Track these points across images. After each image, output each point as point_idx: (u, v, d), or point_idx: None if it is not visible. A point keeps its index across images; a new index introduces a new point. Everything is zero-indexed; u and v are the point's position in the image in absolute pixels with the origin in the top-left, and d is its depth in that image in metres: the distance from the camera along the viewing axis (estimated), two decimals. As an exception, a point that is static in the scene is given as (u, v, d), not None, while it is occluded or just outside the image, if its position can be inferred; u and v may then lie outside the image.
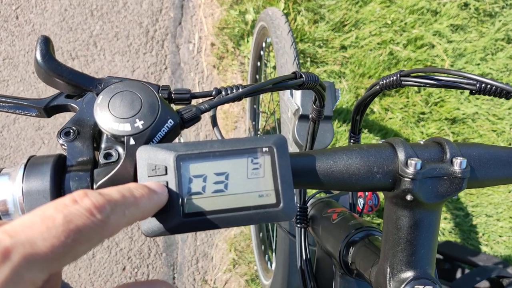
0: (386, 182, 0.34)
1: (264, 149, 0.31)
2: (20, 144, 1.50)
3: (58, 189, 0.30)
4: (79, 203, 0.22)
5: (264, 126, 1.54)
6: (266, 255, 1.33)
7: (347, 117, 1.62)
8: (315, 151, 0.35)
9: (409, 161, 0.33)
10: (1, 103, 0.35)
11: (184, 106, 0.36)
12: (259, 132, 1.51)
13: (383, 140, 0.37)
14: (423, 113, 1.68)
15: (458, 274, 1.35)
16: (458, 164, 0.33)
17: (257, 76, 1.38)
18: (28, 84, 1.54)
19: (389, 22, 1.73)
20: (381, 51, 1.71)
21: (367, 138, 1.63)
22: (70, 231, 0.20)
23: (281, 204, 0.30)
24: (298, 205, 0.61)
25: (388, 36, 1.71)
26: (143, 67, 1.61)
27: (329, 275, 0.55)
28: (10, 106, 0.35)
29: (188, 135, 1.58)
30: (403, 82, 0.45)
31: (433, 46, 1.75)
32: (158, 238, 1.47)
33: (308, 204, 0.63)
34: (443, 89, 1.70)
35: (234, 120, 1.63)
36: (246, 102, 1.59)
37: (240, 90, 0.37)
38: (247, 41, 1.66)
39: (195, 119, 0.34)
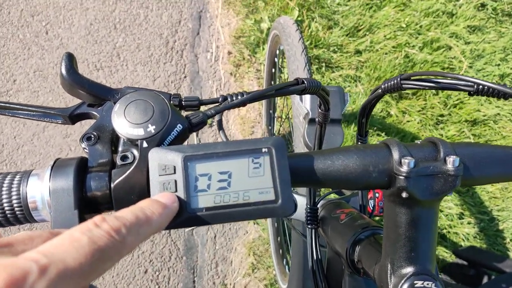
0: (382, 181, 0.36)
1: (264, 149, 0.33)
2: (49, 151, 1.57)
3: (80, 188, 0.34)
4: (99, 226, 0.25)
5: (279, 130, 1.57)
6: (284, 259, 1.35)
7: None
8: (315, 152, 0.38)
9: (403, 160, 0.35)
10: (32, 112, 0.39)
11: (192, 112, 0.39)
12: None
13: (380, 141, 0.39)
14: (442, 115, 1.67)
15: (484, 281, 1.32)
16: (451, 162, 0.35)
17: (272, 82, 1.41)
18: (56, 94, 1.62)
19: (404, 25, 1.73)
20: (397, 54, 1.71)
21: (385, 141, 1.63)
22: (94, 251, 0.24)
23: (280, 200, 0.33)
24: (309, 206, 0.63)
25: (403, 39, 1.71)
26: (163, 76, 1.67)
27: (339, 275, 0.57)
28: (39, 114, 0.40)
29: (206, 138, 1.62)
30: (403, 85, 0.46)
31: (450, 48, 1.74)
32: (178, 242, 1.51)
33: (318, 206, 0.65)
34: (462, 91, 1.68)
35: (251, 125, 1.66)
36: (262, 107, 1.62)
37: (244, 96, 0.40)
38: (263, 49, 1.69)
39: (202, 123, 0.37)
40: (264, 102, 1.58)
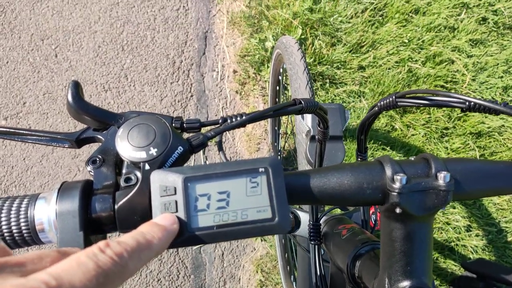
0: (376, 197, 0.37)
1: (261, 169, 0.35)
2: (57, 172, 1.60)
3: (86, 210, 0.35)
4: (104, 252, 0.27)
5: (284, 146, 1.58)
6: (292, 276, 1.35)
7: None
8: (311, 170, 0.39)
9: (395, 177, 0.36)
10: (40, 137, 0.42)
11: (193, 134, 0.41)
12: (279, 153, 1.54)
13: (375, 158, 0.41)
14: (446, 128, 1.67)
15: (495, 294, 1.30)
16: (442, 178, 0.36)
17: (277, 100, 1.44)
18: (65, 116, 1.66)
19: (406, 40, 1.75)
20: (400, 69, 1.72)
21: (390, 155, 1.63)
22: (99, 275, 0.25)
23: (276, 218, 0.34)
24: (311, 222, 0.64)
25: (406, 54, 1.73)
26: (170, 96, 1.70)
27: (342, 290, 0.58)
28: (47, 139, 0.42)
29: (213, 155, 1.64)
30: (398, 103, 0.48)
31: (452, 62, 1.75)
32: (186, 260, 1.51)
33: (321, 221, 0.66)
34: (466, 104, 1.69)
35: (257, 141, 1.68)
36: (268, 124, 1.64)
37: (244, 117, 0.42)
38: (267, 67, 1.72)
39: (202, 145, 0.39)
40: (269, 119, 1.60)
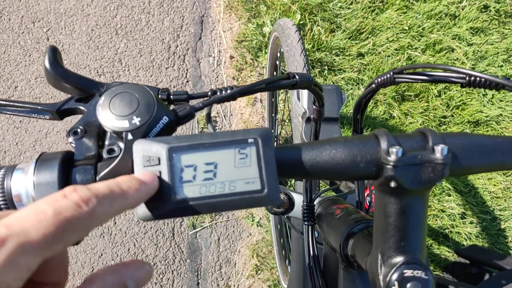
0: (370, 171, 0.36)
1: (250, 140, 0.34)
2: (52, 157, 1.58)
3: (66, 181, 0.33)
4: (68, 197, 0.25)
5: (280, 133, 1.57)
6: (287, 260, 1.34)
7: (365, 122, 1.62)
8: (302, 144, 0.38)
9: (390, 149, 0.35)
10: (19, 108, 0.40)
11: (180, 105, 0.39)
12: (276, 139, 1.53)
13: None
14: (444, 116, 1.66)
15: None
16: (439, 151, 0.35)
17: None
18: (58, 101, 1.64)
19: (406, 28, 1.73)
20: (399, 56, 1.71)
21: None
22: (59, 222, 0.23)
23: (265, 190, 0.33)
24: (305, 203, 0.63)
25: (405, 42, 1.71)
26: (165, 81, 1.68)
27: (335, 271, 0.57)
28: (27, 110, 0.40)
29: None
30: (396, 79, 0.47)
31: (452, 50, 1.73)
32: (182, 245, 1.51)
33: (315, 202, 0.65)
34: (464, 92, 1.68)
35: (253, 129, 1.66)
36: (265, 111, 1.62)
37: (234, 89, 0.40)
38: (265, 53, 1.70)
39: (188, 116, 0.37)
40: (266, 105, 1.58)
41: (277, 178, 0.33)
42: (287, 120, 1.55)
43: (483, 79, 0.39)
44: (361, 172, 0.36)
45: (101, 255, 1.49)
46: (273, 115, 1.54)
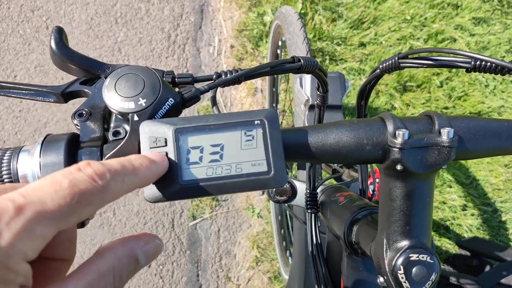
0: (376, 154, 0.36)
1: (256, 122, 0.33)
2: (52, 147, 1.58)
3: (71, 162, 0.33)
4: (82, 171, 0.25)
5: (281, 123, 1.56)
6: (288, 251, 1.35)
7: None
8: (308, 126, 0.37)
9: (397, 132, 0.34)
10: (24, 91, 0.39)
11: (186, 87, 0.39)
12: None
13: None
14: (446, 107, 1.66)
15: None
16: (446, 134, 0.34)
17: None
18: (58, 90, 1.63)
19: (409, 17, 1.72)
20: (401, 46, 1.69)
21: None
22: (74, 194, 0.23)
23: (272, 172, 0.32)
24: (308, 191, 0.62)
25: (407, 32, 1.70)
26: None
27: (339, 259, 0.57)
28: (31, 93, 0.39)
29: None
30: (401, 64, 0.46)
31: (454, 40, 1.72)
32: (182, 236, 1.51)
33: (318, 190, 0.64)
34: (466, 83, 1.67)
35: (254, 119, 1.66)
36: (266, 101, 1.61)
37: (239, 72, 0.39)
38: (266, 42, 1.69)
39: (194, 98, 0.37)
40: (267, 95, 1.58)
41: (284, 160, 0.33)
42: (288, 111, 1.54)
43: (489, 63, 0.39)
44: (367, 155, 0.36)
45: (100, 245, 1.49)
46: (274, 105, 1.54)
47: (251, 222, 1.55)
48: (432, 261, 0.36)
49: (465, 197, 1.58)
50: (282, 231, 1.37)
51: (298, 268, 0.83)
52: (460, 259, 1.39)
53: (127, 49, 1.68)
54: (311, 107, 0.73)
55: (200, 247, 1.51)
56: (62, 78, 1.63)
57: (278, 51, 1.33)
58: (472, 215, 1.55)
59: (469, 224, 1.53)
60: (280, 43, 1.29)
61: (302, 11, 1.69)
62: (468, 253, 1.39)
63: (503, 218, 1.56)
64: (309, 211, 0.61)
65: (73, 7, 1.72)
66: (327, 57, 1.67)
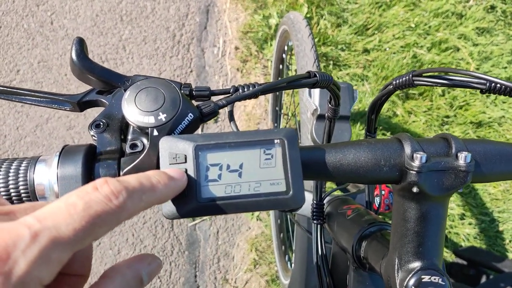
0: (393, 175, 0.36)
1: (276, 141, 0.33)
2: (52, 142, 1.57)
3: (89, 175, 0.33)
4: (99, 190, 0.25)
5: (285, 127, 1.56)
6: (286, 256, 1.35)
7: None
8: (326, 145, 0.37)
9: (415, 155, 0.35)
10: (39, 98, 0.39)
11: (203, 101, 0.39)
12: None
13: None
14: (447, 116, 1.66)
15: (483, 281, 1.32)
16: (463, 158, 0.35)
17: (279, 79, 1.41)
18: (60, 86, 1.62)
19: (413, 25, 1.72)
20: (405, 54, 1.70)
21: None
22: (89, 217, 0.23)
23: (291, 192, 0.32)
24: (315, 202, 0.62)
25: (411, 39, 1.70)
26: (169, 70, 1.67)
27: (344, 271, 0.57)
28: (47, 101, 0.39)
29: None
30: (415, 82, 0.46)
31: (458, 49, 1.73)
32: (181, 236, 1.51)
33: (324, 201, 0.64)
34: (468, 93, 1.68)
35: (256, 121, 1.66)
36: (268, 104, 1.62)
37: (256, 87, 0.39)
38: (270, 45, 1.69)
39: (213, 113, 0.37)
40: (270, 99, 1.58)
41: (302, 180, 0.33)
42: (290, 115, 1.54)
43: (503, 86, 0.39)
44: (383, 176, 0.36)
45: (99, 243, 1.49)
46: (277, 108, 1.54)
47: (250, 225, 1.55)
48: (443, 283, 0.37)
49: (463, 206, 1.59)
50: (281, 235, 1.37)
51: (299, 276, 0.84)
52: (457, 268, 1.40)
53: (131, 47, 1.67)
54: (319, 117, 0.73)
55: (199, 248, 1.51)
56: (66, 74, 1.62)
57: (284, 56, 1.33)
58: (470, 224, 1.56)
59: (467, 233, 1.54)
60: (286, 48, 1.29)
61: (308, 15, 1.69)
62: (465, 262, 1.40)
63: (501, 228, 1.57)
64: (315, 221, 0.61)
65: (78, 3, 1.71)
66: (331, 62, 1.68)
